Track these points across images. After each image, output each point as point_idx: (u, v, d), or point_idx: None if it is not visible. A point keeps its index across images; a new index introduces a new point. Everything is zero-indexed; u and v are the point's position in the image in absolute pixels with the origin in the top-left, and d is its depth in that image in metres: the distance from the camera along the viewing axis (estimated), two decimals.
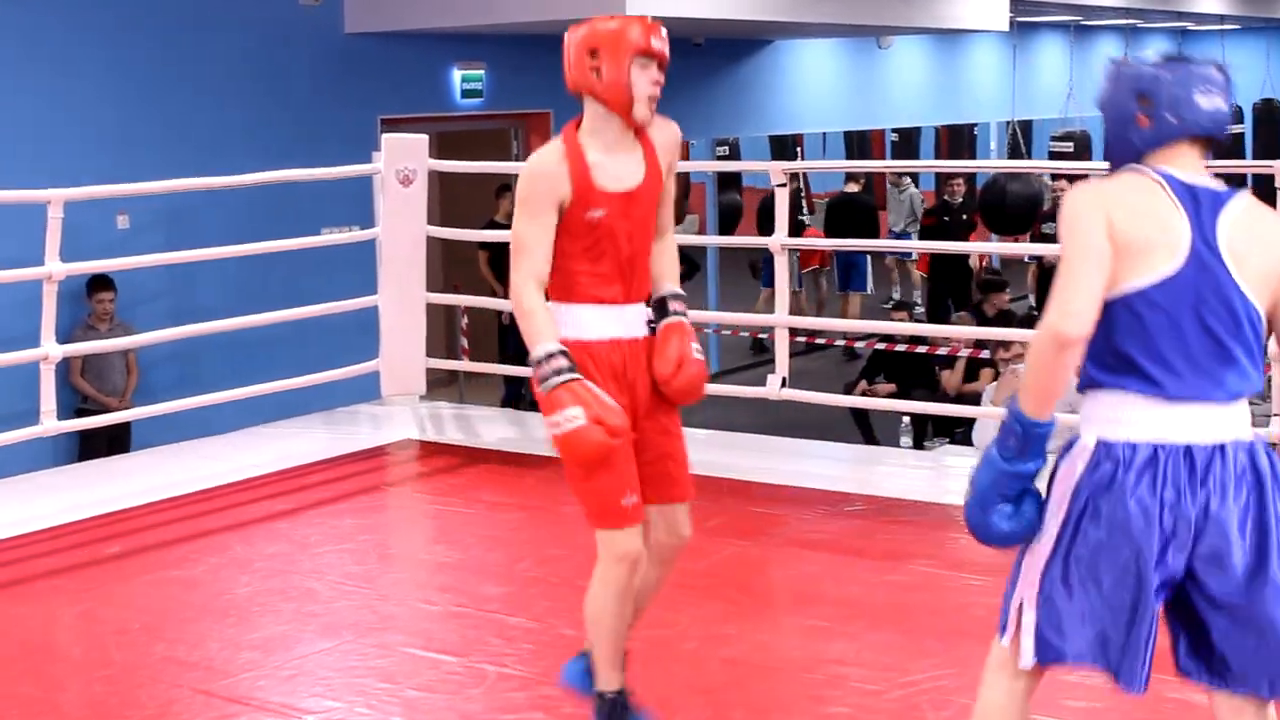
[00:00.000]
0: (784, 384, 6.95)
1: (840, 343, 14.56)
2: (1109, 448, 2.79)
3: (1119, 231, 2.75)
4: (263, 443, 7.24)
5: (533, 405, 11.89)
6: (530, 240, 3.59)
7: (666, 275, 3.82)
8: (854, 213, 14.90)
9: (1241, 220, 2.81)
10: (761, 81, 15.31)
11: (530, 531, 5.94)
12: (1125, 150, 2.90)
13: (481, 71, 12.13)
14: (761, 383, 7.03)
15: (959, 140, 19.12)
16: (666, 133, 3.74)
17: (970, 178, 14.83)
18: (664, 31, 3.63)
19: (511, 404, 11.64)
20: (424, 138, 7.61)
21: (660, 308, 3.77)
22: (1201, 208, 2.79)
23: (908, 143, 18.60)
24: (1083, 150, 15.06)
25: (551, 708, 4.20)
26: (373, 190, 7.67)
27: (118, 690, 4.38)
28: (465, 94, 12.06)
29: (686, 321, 3.78)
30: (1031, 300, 13.38)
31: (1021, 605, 2.90)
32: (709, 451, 7.09)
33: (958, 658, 4.47)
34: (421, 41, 11.51)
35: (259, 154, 9.33)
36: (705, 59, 14.17)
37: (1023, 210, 13.60)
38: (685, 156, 13.42)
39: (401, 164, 7.46)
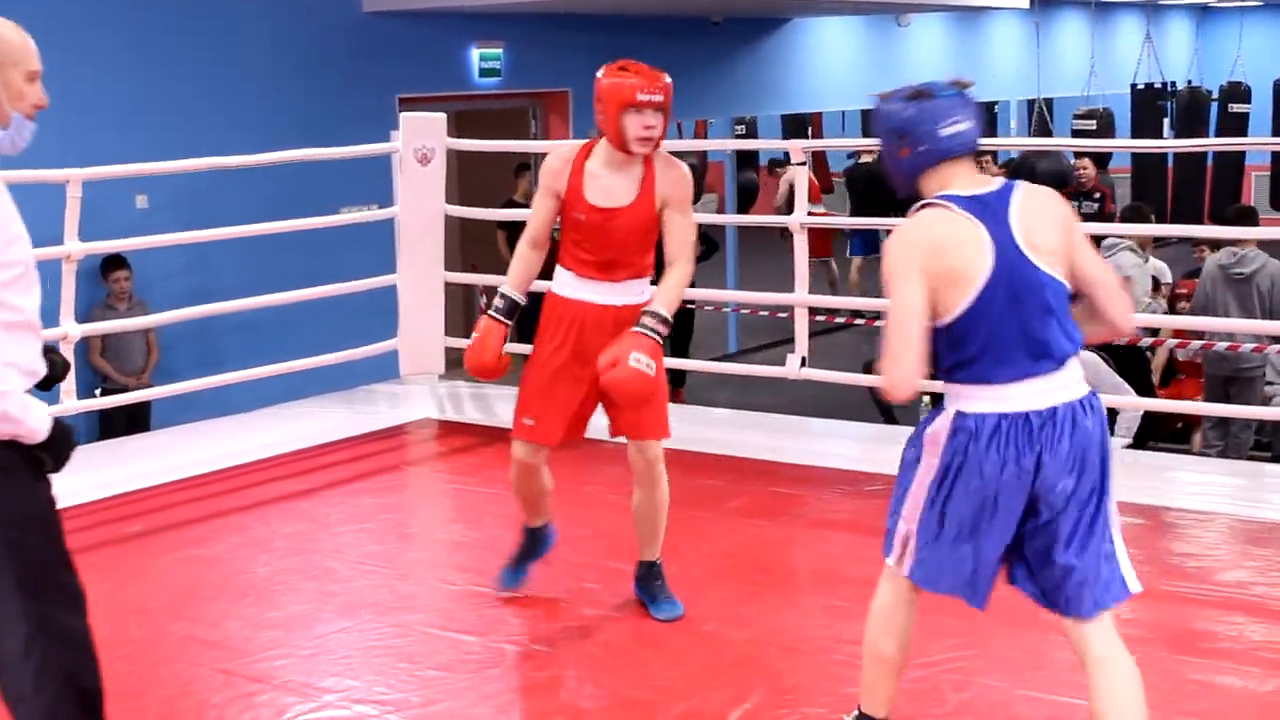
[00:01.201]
0: (803, 363, 6.92)
1: (860, 322, 14.52)
2: (964, 418, 3.31)
3: (933, 273, 3.24)
4: (281, 422, 7.25)
5: None
6: (535, 210, 4.65)
7: (657, 298, 4.52)
8: (878, 183, 14.89)
9: (1024, 207, 3.31)
10: (779, 60, 15.26)
11: None
12: (900, 173, 3.41)
13: (500, 50, 12.10)
14: (781, 362, 7.01)
15: (979, 119, 19.03)
16: (672, 172, 4.54)
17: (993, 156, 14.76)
18: (664, 80, 4.42)
19: None
20: (442, 116, 7.59)
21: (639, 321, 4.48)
22: (988, 211, 3.28)
23: None
24: (1106, 128, 14.96)
25: (572, 688, 4.20)
26: (391, 169, 7.66)
27: (138, 669, 4.39)
28: (483, 73, 12.03)
29: (649, 335, 4.41)
30: None
31: (909, 534, 3.44)
32: (729, 431, 7.09)
33: (978, 638, 4.46)
34: (440, 20, 11.49)
35: (277, 133, 9.33)
36: (723, 38, 14.13)
37: (1053, 187, 13.56)
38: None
39: (419, 143, 7.45)
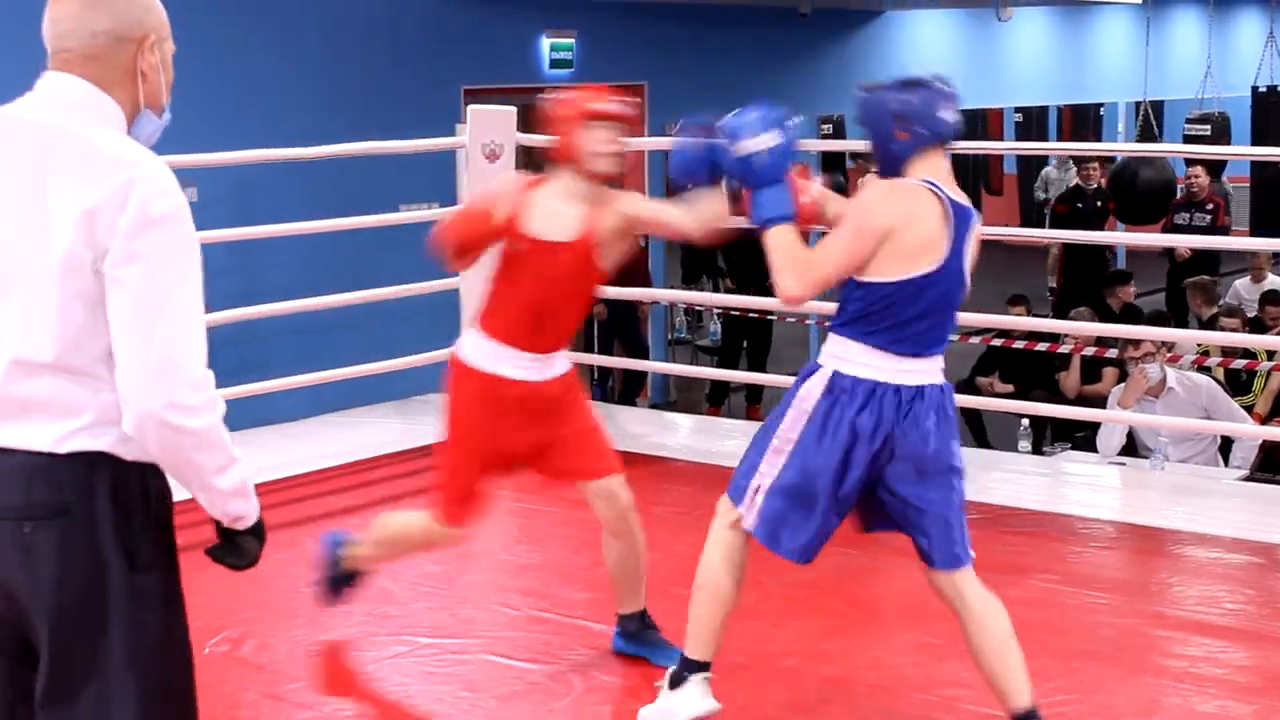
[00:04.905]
0: None
1: (953, 339, 14.41)
2: (840, 378, 3.76)
3: (899, 237, 3.68)
4: (332, 433, 7.29)
5: (622, 398, 12.02)
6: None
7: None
8: None
9: (972, 230, 3.79)
10: (870, 55, 15.24)
11: None
12: (892, 156, 3.83)
13: (572, 40, 12.14)
14: None
15: (1084, 121, 18.88)
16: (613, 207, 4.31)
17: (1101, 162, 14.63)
18: (622, 98, 4.27)
19: (601, 397, 11.66)
20: (512, 110, 7.63)
21: None
22: (959, 222, 3.74)
23: (1033, 123, 18.39)
24: (1221, 134, 14.80)
25: None
26: (454, 165, 7.69)
27: None
28: (554, 64, 12.08)
29: None
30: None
31: (760, 488, 3.84)
32: None
33: (1081, 681, 4.43)
34: (509, 8, 11.54)
35: (334, 125, 9.39)
36: (811, 29, 14.12)
37: (1155, 198, 13.41)
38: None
39: (488, 138, 7.48)
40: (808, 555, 3.88)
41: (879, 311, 3.73)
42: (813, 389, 3.79)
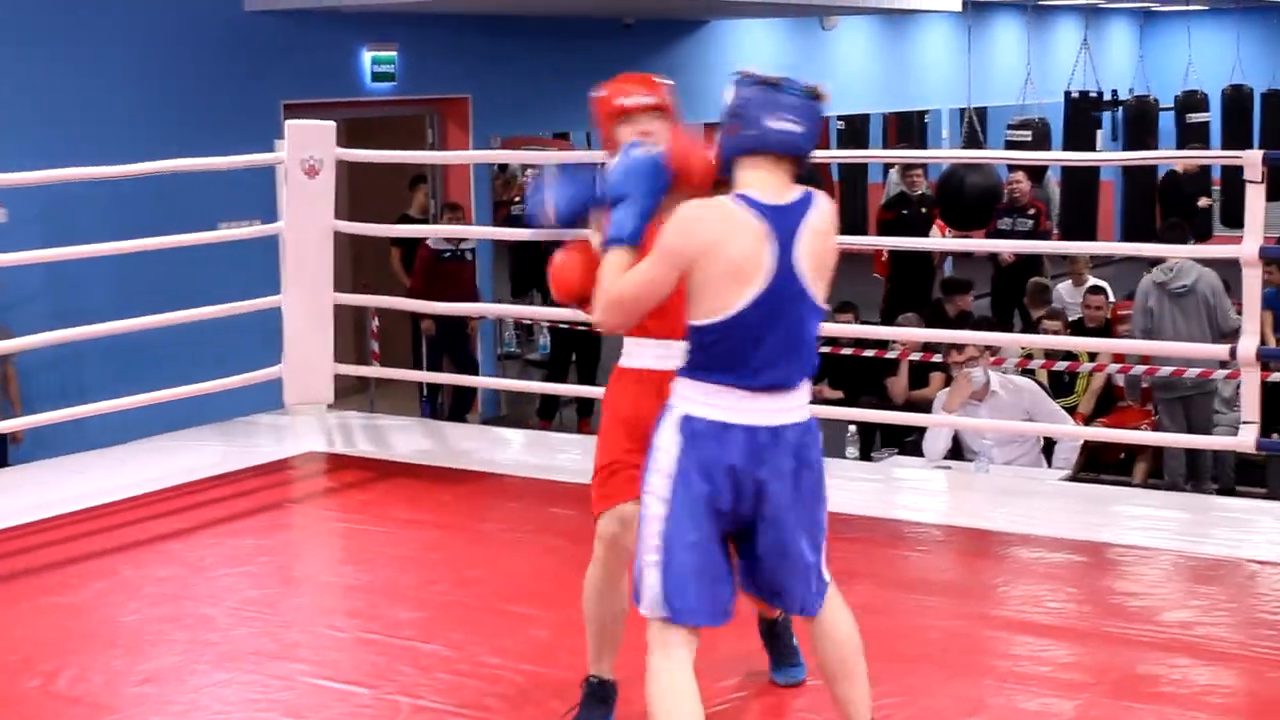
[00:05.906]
0: None
1: None
2: (693, 421, 3.53)
3: (709, 267, 3.45)
4: (153, 457, 7.17)
5: (452, 414, 11.97)
6: None
7: None
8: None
9: (808, 231, 3.53)
10: (696, 65, 15.34)
11: (446, 551, 5.92)
12: (724, 151, 3.63)
13: (394, 53, 12.08)
14: None
15: (908, 128, 19.17)
16: None
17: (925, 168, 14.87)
18: (652, 80, 4.07)
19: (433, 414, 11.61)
20: (331, 125, 7.57)
21: None
22: (780, 229, 3.49)
23: (856, 132, 18.64)
24: (1041, 140, 15.11)
25: None
26: (275, 182, 7.61)
27: None
28: (376, 77, 12.01)
29: None
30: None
31: (643, 568, 3.60)
32: None
33: (908, 685, 4.49)
34: (328, 20, 11.46)
35: (149, 141, 9.25)
36: (635, 40, 14.19)
37: (981, 204, 13.64)
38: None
39: (306, 153, 7.41)
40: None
41: (723, 345, 3.49)
42: (672, 438, 3.55)
